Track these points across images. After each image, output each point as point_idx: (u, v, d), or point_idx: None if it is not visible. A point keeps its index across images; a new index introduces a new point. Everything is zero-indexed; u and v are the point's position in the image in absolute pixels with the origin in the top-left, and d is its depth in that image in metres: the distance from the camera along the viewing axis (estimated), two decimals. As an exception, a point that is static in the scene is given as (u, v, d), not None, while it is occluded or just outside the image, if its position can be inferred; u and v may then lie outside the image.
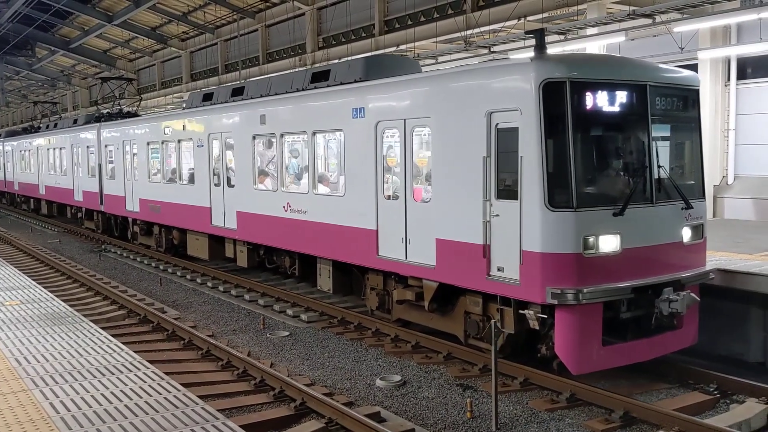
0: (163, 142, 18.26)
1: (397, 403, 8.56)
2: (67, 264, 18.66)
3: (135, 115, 24.62)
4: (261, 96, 14.22)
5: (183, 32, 35.98)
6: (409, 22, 22.23)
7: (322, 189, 12.55)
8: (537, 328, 8.50)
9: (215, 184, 15.67)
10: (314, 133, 12.40)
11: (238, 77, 30.31)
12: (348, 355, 10.52)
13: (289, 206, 12.93)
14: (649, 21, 15.97)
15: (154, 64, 40.91)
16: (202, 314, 13.36)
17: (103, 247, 22.62)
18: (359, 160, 11.14)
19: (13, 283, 11.79)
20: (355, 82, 11.58)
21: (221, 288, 15.51)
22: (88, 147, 23.95)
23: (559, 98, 8.09)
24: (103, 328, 8.96)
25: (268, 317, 12.81)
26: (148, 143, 19.12)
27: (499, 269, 8.67)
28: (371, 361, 10.17)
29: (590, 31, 17.23)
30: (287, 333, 11.80)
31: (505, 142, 8.55)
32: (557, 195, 8.07)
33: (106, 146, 22.38)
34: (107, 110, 25.84)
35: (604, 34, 16.37)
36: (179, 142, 17.37)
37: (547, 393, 8.70)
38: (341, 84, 11.96)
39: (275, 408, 8.29)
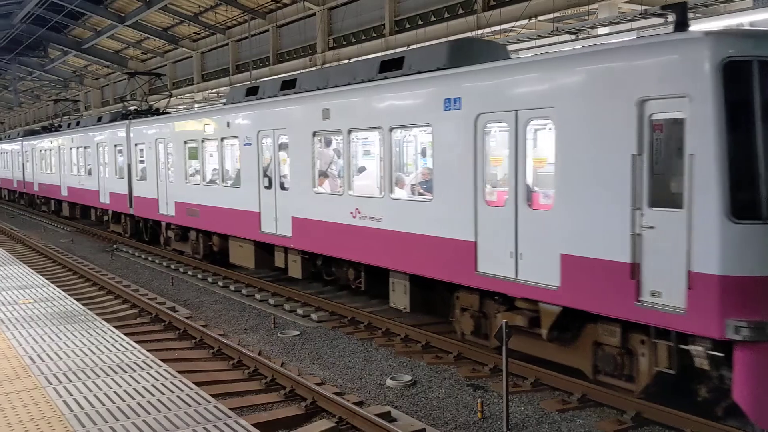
0: (203, 141, 16.82)
1: (407, 402, 8.56)
2: (79, 263, 18.78)
3: (164, 112, 23.18)
4: (317, 89, 12.81)
5: (194, 33, 36.09)
6: (420, 22, 22.21)
7: (401, 193, 11.06)
8: (707, 368, 7.10)
9: (265, 187, 14.14)
10: (392, 129, 10.79)
11: (249, 78, 30.38)
12: (358, 354, 10.53)
13: (359, 212, 11.42)
14: (661, 20, 15.88)
15: (166, 65, 41.07)
16: (214, 313, 13.42)
17: (114, 246, 22.73)
18: (453, 159, 9.60)
19: (27, 282, 11.88)
20: (438, 69, 10.13)
21: (232, 287, 15.56)
22: (115, 146, 22.50)
23: (745, 81, 6.67)
24: (115, 327, 9.02)
25: (279, 317, 12.85)
26: (185, 142, 17.63)
27: (653, 294, 7.20)
28: (381, 361, 10.18)
29: (601, 30, 17.16)
30: (298, 332, 11.83)
31: (666, 137, 7.21)
32: (743, 203, 6.64)
33: (136, 145, 20.93)
34: (134, 107, 24.13)
35: (615, 33, 16.29)
36: (222, 140, 15.93)
37: (558, 393, 8.69)
38: (419, 72, 10.46)
39: (286, 407, 8.32)
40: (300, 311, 13.11)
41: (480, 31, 19.26)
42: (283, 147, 13.71)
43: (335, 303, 13.14)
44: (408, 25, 22.85)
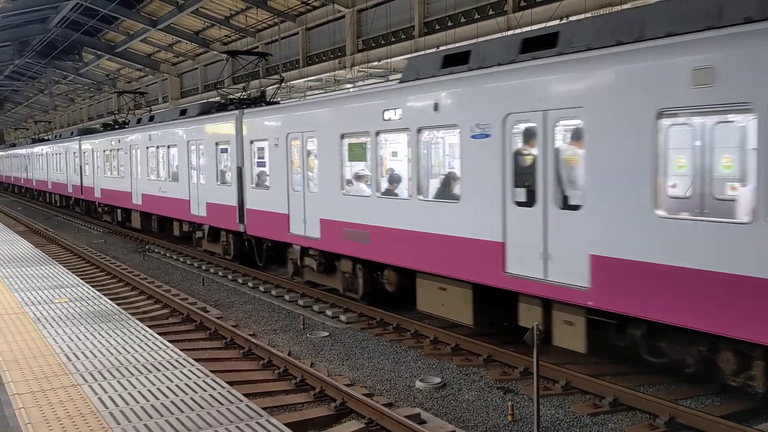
0: (378, 134, 11.70)
1: (436, 405, 8.55)
2: (112, 263, 19.07)
3: (272, 101, 18.70)
4: (619, 42, 7.95)
5: (225, 36, 36.45)
6: (449, 24, 22.19)
7: None
8: None
9: (519, 203, 9.12)
10: None
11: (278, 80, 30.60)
12: (387, 356, 10.54)
13: None
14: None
15: (197, 68, 41.54)
16: (244, 314, 13.53)
17: (147, 247, 23.04)
18: None
19: (62, 282, 12.10)
20: None
21: (262, 288, 15.67)
22: (217, 144, 17.73)
23: None
24: (148, 326, 9.14)
25: (308, 317, 12.91)
26: (342, 136, 12.58)
27: None
28: (410, 363, 10.17)
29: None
30: (327, 333, 11.88)
31: None
32: None
33: (252, 142, 16.06)
34: (235, 95, 19.44)
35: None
36: (419, 131, 10.77)
37: (589, 397, 8.60)
38: None
39: (316, 407, 8.36)
40: (329, 312, 13.16)
41: (510, 32, 19.17)
42: (571, 138, 8.81)
43: (363, 305, 13.16)
44: (437, 27, 22.84)
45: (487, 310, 10.26)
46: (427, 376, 9.52)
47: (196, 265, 19.26)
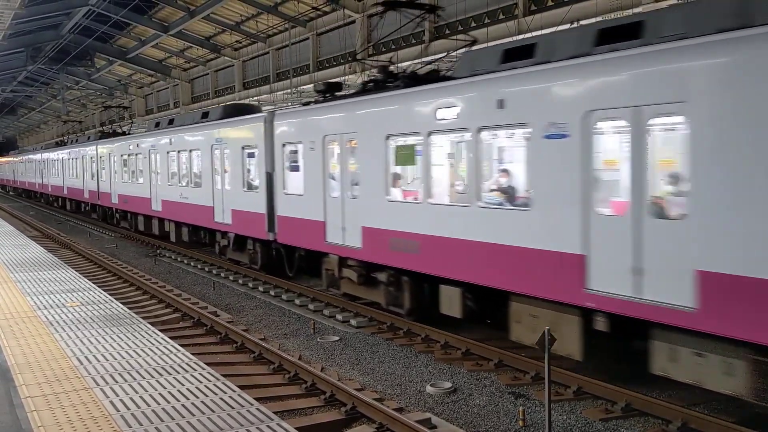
0: None
1: (447, 409, 8.52)
2: (123, 268, 19.16)
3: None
4: None
5: (236, 41, 36.62)
6: (460, 28, 22.18)
7: None
8: None
9: None
10: None
11: (289, 85, 30.72)
12: (398, 360, 10.52)
13: None
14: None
15: (208, 73, 41.75)
16: (254, 318, 13.55)
17: (158, 252, 23.13)
18: None
19: (74, 285, 12.16)
20: None
21: (272, 292, 15.69)
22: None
23: None
24: (159, 330, 9.16)
25: (318, 322, 12.91)
26: None
27: None
28: (421, 367, 10.15)
29: (645, 34, 16.90)
30: (337, 338, 11.87)
31: None
32: None
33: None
34: None
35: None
36: None
37: (601, 402, 8.55)
38: None
39: (326, 412, 8.36)
40: (339, 317, 13.16)
41: (521, 36, 19.15)
42: None
43: (374, 309, 13.15)
44: (448, 31, 22.84)
45: None
46: (438, 380, 9.50)
47: (206, 269, 19.31)
